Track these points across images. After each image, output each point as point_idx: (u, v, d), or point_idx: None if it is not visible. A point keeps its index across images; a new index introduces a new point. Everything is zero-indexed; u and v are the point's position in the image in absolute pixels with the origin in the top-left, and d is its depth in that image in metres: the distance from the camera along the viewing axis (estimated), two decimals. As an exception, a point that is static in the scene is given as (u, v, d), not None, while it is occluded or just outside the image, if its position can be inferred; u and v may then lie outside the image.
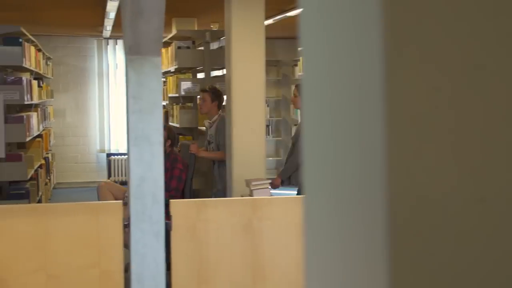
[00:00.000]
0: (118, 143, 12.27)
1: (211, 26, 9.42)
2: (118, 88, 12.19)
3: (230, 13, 5.61)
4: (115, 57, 12.16)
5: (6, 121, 6.27)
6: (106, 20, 8.78)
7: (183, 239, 3.79)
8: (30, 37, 7.09)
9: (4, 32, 6.30)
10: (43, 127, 8.69)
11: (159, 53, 3.71)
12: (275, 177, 6.08)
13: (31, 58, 7.21)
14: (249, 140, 5.72)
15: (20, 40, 6.31)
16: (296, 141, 6.15)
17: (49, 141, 9.85)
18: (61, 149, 11.68)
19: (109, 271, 3.69)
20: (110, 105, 12.19)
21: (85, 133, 12.14)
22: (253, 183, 5.10)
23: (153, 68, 3.71)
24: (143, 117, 3.72)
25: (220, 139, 6.09)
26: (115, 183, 6.45)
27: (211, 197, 5.97)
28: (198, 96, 6.80)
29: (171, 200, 3.84)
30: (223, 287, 3.84)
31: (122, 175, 12.20)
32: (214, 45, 7.02)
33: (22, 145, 7.55)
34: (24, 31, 6.56)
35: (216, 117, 6.23)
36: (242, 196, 5.37)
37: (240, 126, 5.70)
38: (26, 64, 6.64)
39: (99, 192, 6.17)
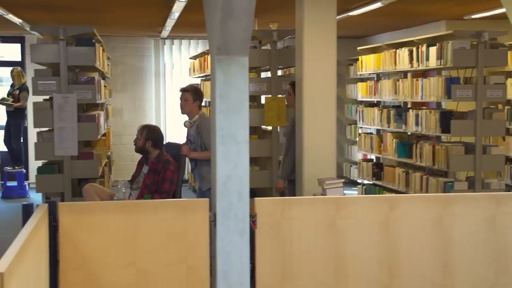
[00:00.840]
0: (172, 141, 12.39)
1: (270, 26, 9.47)
2: (174, 88, 12.34)
3: (302, 12, 5.64)
4: (171, 57, 12.31)
5: (79, 119, 6.43)
6: (168, 20, 8.90)
7: (268, 237, 3.83)
8: (99, 37, 7.24)
9: (77, 33, 6.44)
10: (106, 125, 8.86)
11: (246, 53, 3.76)
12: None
13: (100, 58, 7.36)
14: (319, 139, 5.74)
15: (93, 40, 6.45)
16: (290, 139, 6.07)
17: (110, 140, 10.03)
18: (118, 147, 11.87)
19: (195, 267, 3.76)
20: (166, 105, 12.35)
21: (142, 132, 12.29)
22: (326, 182, 5.13)
23: (240, 68, 3.77)
24: (230, 116, 3.78)
25: (204, 139, 6.06)
26: (100, 186, 6.29)
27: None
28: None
29: (256, 198, 3.87)
30: (307, 285, 3.87)
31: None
32: (279, 45, 7.05)
33: (88, 143, 7.70)
34: (95, 32, 6.70)
35: (197, 117, 6.17)
36: (314, 195, 5.40)
37: (310, 125, 5.73)
38: (96, 64, 6.79)
39: (85, 194, 5.93)
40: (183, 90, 6.26)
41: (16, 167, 10.83)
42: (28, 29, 10.03)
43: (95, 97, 6.50)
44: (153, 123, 12.28)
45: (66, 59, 6.31)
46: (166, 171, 5.80)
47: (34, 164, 11.18)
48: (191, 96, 6.15)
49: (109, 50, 11.22)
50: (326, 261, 3.88)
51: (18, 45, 12.04)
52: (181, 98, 6.26)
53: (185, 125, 6.23)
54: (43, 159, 6.74)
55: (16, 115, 10.79)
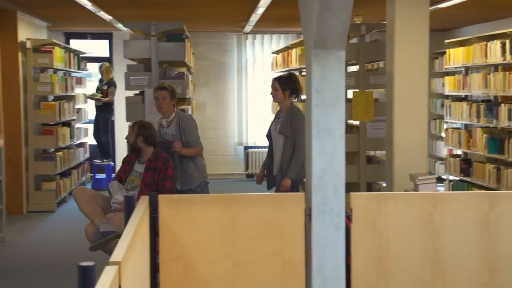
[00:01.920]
0: (255, 136, 12.51)
1: (355, 20, 9.38)
2: (256, 83, 12.43)
3: (393, 4, 5.56)
4: (253, 52, 12.39)
5: (169, 113, 6.56)
6: (253, 15, 8.96)
7: (363, 232, 3.81)
8: (187, 33, 7.36)
9: (167, 29, 6.57)
10: (192, 120, 9.01)
11: (343, 47, 3.74)
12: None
13: (188, 53, 7.49)
14: (410, 135, 5.66)
15: (183, 36, 6.57)
16: (295, 136, 5.77)
17: (195, 134, 10.18)
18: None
19: (291, 261, 3.77)
20: (248, 99, 12.45)
21: (224, 126, 12.46)
22: (419, 178, 5.05)
23: (337, 62, 3.75)
24: (326, 111, 3.77)
25: (189, 136, 5.97)
26: (92, 190, 5.81)
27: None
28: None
29: (351, 193, 3.86)
30: (403, 281, 3.82)
31: (258, 168, 12.42)
32: (366, 38, 6.98)
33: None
34: (185, 27, 6.82)
35: (173, 115, 6.02)
36: (405, 191, 5.33)
37: (401, 120, 5.65)
38: (185, 59, 6.91)
39: (78, 199, 5.39)
40: (162, 88, 5.99)
41: (105, 160, 11.18)
42: (117, 25, 10.32)
43: (184, 91, 6.63)
44: (235, 117, 12.44)
45: (157, 54, 6.46)
46: (167, 168, 5.49)
47: (121, 157, 11.51)
48: (169, 95, 5.96)
49: (193, 45, 11.39)
50: (423, 257, 3.82)
51: (107, 41, 12.40)
52: (158, 97, 5.96)
53: (161, 124, 6.05)
54: (134, 152, 6.91)
55: (104, 110, 11.13)
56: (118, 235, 5.03)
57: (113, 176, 11.21)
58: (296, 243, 3.77)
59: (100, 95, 11.01)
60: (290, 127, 5.76)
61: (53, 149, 9.49)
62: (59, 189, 9.34)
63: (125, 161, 5.73)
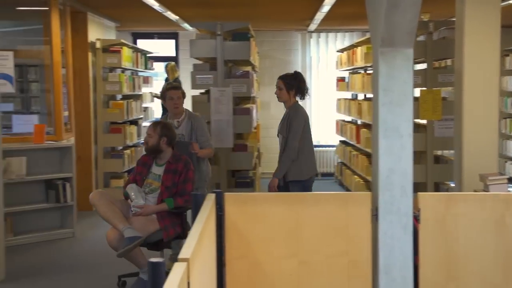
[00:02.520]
0: (319, 135, 12.45)
1: (422, 17, 9.22)
2: (320, 81, 12.37)
3: (463, 1, 5.44)
4: (318, 50, 12.34)
5: (234, 112, 6.62)
6: (318, 13, 8.93)
7: (432, 233, 3.74)
8: (252, 32, 7.39)
9: (233, 28, 6.61)
10: (256, 118, 9.05)
11: (411, 44, 3.68)
12: None
13: (253, 52, 7.52)
14: (480, 134, 5.52)
15: (248, 35, 6.60)
16: (287, 135, 5.65)
17: (259, 132, 10.23)
18: (266, 140, 12.06)
19: (357, 261, 3.74)
20: (312, 98, 12.40)
21: (288, 125, 12.43)
22: (489, 178, 4.92)
23: (404, 60, 3.70)
24: (393, 109, 3.72)
25: (201, 137, 5.85)
26: (108, 193, 5.48)
27: None
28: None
29: (419, 193, 3.79)
30: (472, 284, 3.74)
31: (322, 167, 12.38)
32: (434, 36, 6.85)
33: (240, 136, 7.90)
34: (250, 27, 6.85)
35: (183, 115, 5.94)
36: (475, 191, 5.21)
37: (471, 119, 5.52)
38: (250, 59, 6.94)
39: (97, 202, 5.17)
40: (176, 88, 5.94)
41: (170, 158, 11.33)
42: (183, 25, 10.46)
43: (249, 90, 6.66)
44: (299, 116, 12.40)
45: (222, 53, 6.51)
46: (188, 171, 5.31)
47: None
48: (182, 94, 5.93)
49: (258, 44, 11.43)
50: (495, 260, 3.72)
51: (173, 41, 12.59)
52: (173, 97, 5.89)
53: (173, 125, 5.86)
54: (200, 151, 7.00)
55: (169, 109, 11.29)
56: (143, 241, 5.06)
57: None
58: (362, 242, 3.74)
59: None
60: (286, 127, 5.68)
61: (121, 147, 9.70)
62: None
63: (141, 163, 5.49)
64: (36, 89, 8.81)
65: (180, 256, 2.29)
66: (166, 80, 11.44)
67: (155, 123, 5.47)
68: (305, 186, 5.67)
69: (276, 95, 5.85)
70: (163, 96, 5.98)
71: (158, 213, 5.22)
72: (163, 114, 11.40)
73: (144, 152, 5.52)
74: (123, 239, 4.98)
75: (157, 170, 5.36)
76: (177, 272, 2.10)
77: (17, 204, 7.14)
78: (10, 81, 7.00)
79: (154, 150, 5.35)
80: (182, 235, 5.30)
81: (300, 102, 12.54)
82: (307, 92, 5.85)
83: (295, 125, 5.63)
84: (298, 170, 5.65)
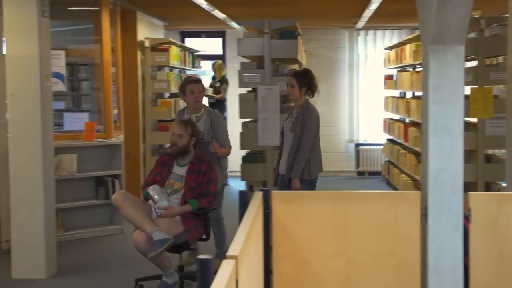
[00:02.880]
0: (366, 133, 12.36)
1: (473, 13, 9.05)
2: (368, 79, 12.27)
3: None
4: (366, 48, 12.24)
5: (281, 110, 6.61)
6: (366, 11, 8.85)
7: (483, 233, 3.67)
8: (300, 30, 7.37)
9: (281, 26, 6.61)
10: (303, 117, 9.03)
11: (463, 41, 3.62)
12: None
13: (300, 50, 7.50)
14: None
15: (296, 33, 6.59)
16: (301, 134, 5.53)
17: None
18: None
19: (406, 260, 3.70)
20: (359, 96, 12.32)
21: (335, 123, 12.40)
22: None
23: (456, 58, 3.64)
24: (443, 108, 3.67)
25: (221, 135, 5.70)
26: (132, 195, 5.25)
27: None
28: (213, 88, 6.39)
29: (470, 193, 3.72)
30: (525, 286, 3.65)
31: (369, 165, 12.28)
32: (486, 33, 6.72)
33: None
34: (297, 25, 6.83)
35: (203, 110, 5.75)
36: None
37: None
38: (298, 57, 6.92)
39: (121, 204, 4.99)
40: (197, 81, 5.74)
41: (217, 156, 11.40)
42: (230, 24, 10.50)
43: (297, 88, 6.62)
44: (346, 114, 12.34)
45: (270, 51, 6.51)
46: (212, 172, 5.18)
47: (234, 153, 11.69)
48: (202, 88, 5.77)
49: (305, 42, 11.41)
50: (549, 262, 3.63)
51: (220, 40, 12.66)
52: (194, 91, 5.69)
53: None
54: (248, 149, 7.03)
55: (217, 106, 11.31)
56: (173, 243, 4.92)
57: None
58: (411, 242, 3.69)
59: (213, 91, 11.25)
60: (300, 125, 5.56)
61: (168, 145, 9.79)
62: (174, 183, 9.63)
63: (161, 163, 5.33)
64: (86, 88, 8.96)
65: (229, 253, 2.30)
66: (213, 78, 11.50)
67: (185, 123, 5.27)
68: (311, 185, 5.63)
69: (288, 92, 5.75)
70: (182, 90, 5.72)
71: (182, 214, 5.09)
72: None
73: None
74: (151, 241, 4.85)
75: (179, 170, 5.23)
76: (225, 269, 2.11)
77: (68, 201, 7.29)
78: (62, 79, 7.15)
79: (183, 150, 5.20)
80: (206, 236, 5.23)
81: (347, 100, 12.40)
82: (317, 90, 5.76)
83: (310, 124, 5.55)
84: (307, 170, 5.58)
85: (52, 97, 6.02)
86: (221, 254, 5.79)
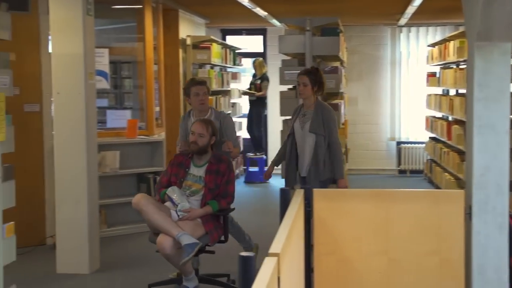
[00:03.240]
0: (408, 131, 12.23)
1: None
2: (410, 77, 12.13)
3: None
4: (408, 45, 12.10)
5: (323, 108, 6.58)
6: (409, 7, 8.75)
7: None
8: (341, 27, 7.33)
9: (322, 23, 6.58)
10: (344, 114, 8.97)
11: (509, 38, 3.56)
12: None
13: (342, 47, 7.46)
14: None
15: (338, 30, 6.56)
16: (330, 134, 5.37)
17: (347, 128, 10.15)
18: (353, 136, 11.95)
19: (449, 260, 3.64)
20: (401, 94, 12.19)
21: (376, 121, 12.30)
22: None
23: (502, 55, 3.59)
24: (489, 106, 3.62)
25: (230, 137, 5.47)
26: (151, 197, 5.20)
27: None
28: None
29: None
30: None
31: (411, 164, 12.15)
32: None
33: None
34: (339, 22, 6.79)
35: (209, 112, 5.51)
36: None
37: None
38: (339, 54, 6.89)
39: (144, 207, 4.81)
40: (202, 83, 5.52)
41: (258, 154, 11.43)
42: (271, 21, 10.50)
43: (338, 86, 6.62)
44: (388, 112, 12.23)
45: (311, 49, 6.49)
46: (231, 172, 5.03)
47: (274, 151, 11.72)
48: (207, 90, 5.53)
49: (346, 39, 11.33)
50: None
51: (261, 37, 12.67)
52: (199, 92, 5.45)
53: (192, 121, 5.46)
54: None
55: (257, 104, 11.38)
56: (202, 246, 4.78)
57: (265, 169, 11.57)
58: (454, 242, 3.64)
59: (254, 89, 11.27)
60: (322, 125, 5.40)
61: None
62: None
63: (177, 163, 5.12)
64: (129, 85, 9.07)
65: (271, 251, 2.30)
66: (254, 75, 11.52)
67: (205, 122, 5.11)
68: (323, 186, 5.46)
69: (300, 92, 5.55)
70: (187, 92, 5.51)
71: (202, 216, 4.93)
72: (250, 110, 11.50)
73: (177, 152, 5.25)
74: (177, 245, 4.68)
75: (197, 171, 5.04)
76: (267, 266, 2.12)
77: (111, 197, 7.39)
78: (105, 77, 7.25)
79: (204, 150, 5.04)
80: (224, 238, 5.10)
81: (388, 97, 12.26)
82: (325, 88, 5.63)
83: (335, 122, 5.51)
84: (321, 170, 5.44)
85: (96, 95, 6.11)
86: (249, 247, 5.81)
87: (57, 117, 5.96)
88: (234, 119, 11.13)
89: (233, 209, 5.28)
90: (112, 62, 7.95)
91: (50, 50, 6.06)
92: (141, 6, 7.93)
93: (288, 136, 5.66)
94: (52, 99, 6.17)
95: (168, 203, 4.95)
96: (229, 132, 5.50)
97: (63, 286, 5.64)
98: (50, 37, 6.00)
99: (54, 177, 6.02)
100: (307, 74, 5.49)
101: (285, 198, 3.62)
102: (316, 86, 5.47)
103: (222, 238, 5.10)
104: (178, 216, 4.86)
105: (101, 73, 7.14)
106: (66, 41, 5.77)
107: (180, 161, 5.11)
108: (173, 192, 4.89)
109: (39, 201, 6.85)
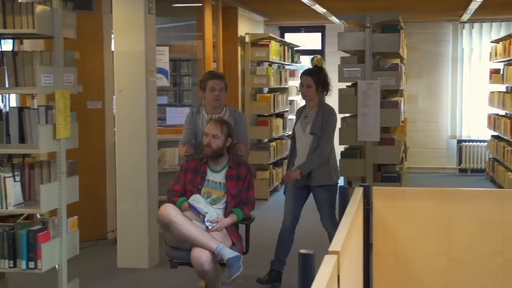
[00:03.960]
0: (469, 129, 11.97)
1: None
2: (472, 74, 11.87)
3: None
4: (471, 41, 11.84)
5: (382, 106, 6.52)
6: (472, 3, 8.56)
7: None
8: (402, 24, 7.23)
9: (382, 20, 6.51)
10: (404, 112, 8.86)
11: None
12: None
13: (402, 44, 7.36)
14: None
15: (399, 27, 6.47)
16: (321, 135, 5.08)
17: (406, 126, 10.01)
18: (412, 134, 11.78)
19: (513, 261, 3.56)
20: (463, 91, 11.94)
21: (436, 118, 12.09)
22: None
23: None
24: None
25: (242, 139, 4.96)
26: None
27: None
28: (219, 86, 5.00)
29: None
30: None
31: (472, 162, 11.89)
32: None
33: (386, 129, 7.75)
34: (400, 18, 6.70)
35: (224, 110, 5.00)
36: None
37: None
38: (400, 51, 6.79)
39: (176, 220, 4.32)
40: (219, 77, 4.97)
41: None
42: (330, 18, 10.44)
43: (398, 83, 6.53)
44: (449, 110, 12.00)
45: (371, 46, 6.43)
46: (251, 176, 4.65)
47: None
48: (225, 85, 4.99)
49: (406, 36, 11.18)
50: None
51: (319, 34, 12.62)
52: (215, 87, 4.91)
53: (207, 120, 4.94)
54: (346, 144, 6.97)
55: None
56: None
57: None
58: (519, 243, 3.56)
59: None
60: (321, 126, 5.16)
61: (266, 140, 9.87)
62: (272, 178, 9.70)
63: (191, 169, 4.62)
64: (188, 83, 9.17)
65: (331, 248, 2.29)
66: (312, 73, 11.47)
67: (220, 122, 4.64)
68: (334, 190, 5.23)
69: (303, 93, 5.28)
70: (202, 86, 4.97)
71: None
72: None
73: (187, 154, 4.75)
74: (215, 259, 4.29)
75: (216, 177, 4.58)
76: (327, 264, 2.11)
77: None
78: (165, 75, 7.35)
79: (219, 154, 4.57)
80: (246, 250, 4.71)
81: (449, 95, 12.04)
82: (330, 88, 5.37)
83: (332, 126, 5.19)
84: (328, 174, 5.21)
85: (156, 92, 6.20)
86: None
87: (118, 114, 6.07)
88: (291, 116, 11.21)
89: (254, 218, 4.80)
90: (171, 60, 8.05)
91: (112, 49, 6.18)
92: (200, 4, 8.01)
93: (291, 139, 5.45)
94: (114, 96, 6.29)
95: (188, 213, 4.45)
96: (242, 133, 4.99)
97: (124, 280, 5.75)
98: (112, 36, 6.12)
99: (115, 173, 6.14)
100: (311, 75, 5.23)
101: (344, 196, 3.60)
102: (320, 87, 5.24)
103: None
104: (207, 227, 4.38)
105: (161, 71, 7.24)
106: (128, 39, 5.88)
107: (195, 167, 4.61)
108: (197, 201, 4.41)
109: (100, 196, 7.00)
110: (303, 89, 5.28)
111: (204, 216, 4.37)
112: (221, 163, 4.59)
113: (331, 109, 5.27)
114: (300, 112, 5.42)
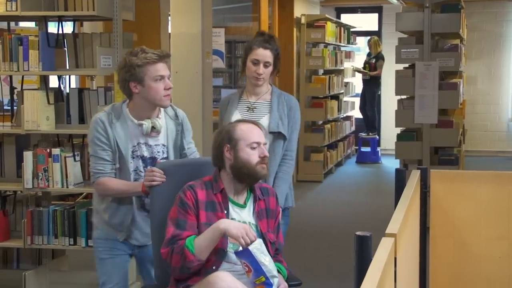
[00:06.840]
0: (531, 114, 11.67)
1: None
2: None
3: None
4: (533, 21, 11.49)
5: (440, 87, 6.40)
6: (536, -19, 8.29)
7: None
8: (462, 4, 7.06)
9: (442, 0, 6.38)
10: (462, 94, 8.67)
11: None
12: None
13: (462, 24, 7.19)
14: None
15: (459, 6, 6.32)
16: (289, 139, 3.50)
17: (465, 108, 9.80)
18: (471, 116, 11.53)
19: None
20: (523, 73, 11.63)
21: (497, 101, 11.80)
22: None
23: None
24: None
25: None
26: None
27: None
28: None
29: None
30: None
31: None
32: None
33: (444, 112, 7.60)
34: (461, -3, 6.55)
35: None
36: None
37: None
38: (460, 31, 6.65)
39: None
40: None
41: (370, 134, 11.28)
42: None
43: (457, 64, 6.40)
44: (510, 92, 11.68)
45: (430, 26, 6.31)
46: (280, 209, 3.19)
47: (387, 131, 11.53)
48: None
49: (466, 16, 10.91)
50: None
51: (376, 15, 12.44)
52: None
53: None
54: (403, 126, 6.88)
55: (371, 83, 11.20)
56: None
57: (378, 150, 11.41)
58: None
59: (368, 68, 11.10)
60: (287, 123, 3.56)
61: (321, 122, 9.83)
62: (326, 160, 9.66)
63: (206, 205, 2.85)
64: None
65: (388, 231, 2.27)
66: (369, 55, 11.34)
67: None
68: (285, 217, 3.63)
69: (256, 74, 3.56)
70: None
71: None
72: (363, 89, 11.34)
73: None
74: None
75: (243, 214, 2.93)
76: (385, 246, 2.09)
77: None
78: (221, 57, 7.38)
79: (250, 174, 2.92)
80: None
81: (510, 75, 11.71)
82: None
83: (299, 122, 3.64)
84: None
85: (212, 74, 6.24)
86: None
87: (175, 96, 6.12)
88: (346, 98, 11.11)
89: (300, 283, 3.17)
90: (227, 42, 8.07)
91: (169, 30, 6.23)
92: (256, -14, 7.99)
93: None
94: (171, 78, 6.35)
95: (237, 267, 2.84)
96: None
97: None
98: (170, 18, 6.17)
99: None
100: (270, 48, 3.53)
101: (400, 179, 3.56)
102: (276, 69, 3.60)
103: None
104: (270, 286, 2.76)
105: (217, 53, 7.26)
106: (185, 21, 5.91)
107: (211, 201, 2.89)
108: (261, 252, 2.74)
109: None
110: (258, 69, 3.53)
111: (264, 278, 2.74)
112: (239, 191, 2.95)
113: (295, 100, 3.69)
114: (234, 103, 3.71)
